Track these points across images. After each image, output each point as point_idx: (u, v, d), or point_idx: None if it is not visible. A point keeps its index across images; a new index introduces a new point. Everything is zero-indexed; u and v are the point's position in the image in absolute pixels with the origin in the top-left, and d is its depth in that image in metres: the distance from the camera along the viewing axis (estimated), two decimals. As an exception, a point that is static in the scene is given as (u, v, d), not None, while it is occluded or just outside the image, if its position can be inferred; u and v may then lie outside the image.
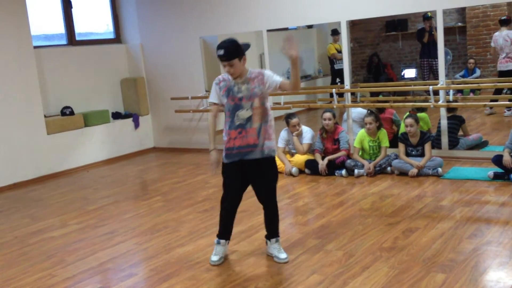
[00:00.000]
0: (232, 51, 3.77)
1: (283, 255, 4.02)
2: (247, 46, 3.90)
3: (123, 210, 5.82)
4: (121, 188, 6.82)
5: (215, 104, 3.97)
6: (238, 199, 4.08)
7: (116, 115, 8.79)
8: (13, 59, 7.26)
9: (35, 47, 7.64)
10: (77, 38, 8.51)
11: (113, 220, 5.45)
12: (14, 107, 7.27)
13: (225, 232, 4.13)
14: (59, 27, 8.35)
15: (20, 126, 7.34)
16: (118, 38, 9.10)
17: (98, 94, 8.64)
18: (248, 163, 3.90)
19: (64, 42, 8.39)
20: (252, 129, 3.84)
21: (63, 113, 8.02)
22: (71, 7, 8.36)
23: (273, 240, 4.11)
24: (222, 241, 4.11)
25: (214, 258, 4.09)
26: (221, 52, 3.75)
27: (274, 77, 3.89)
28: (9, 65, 7.23)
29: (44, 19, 8.13)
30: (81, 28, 8.63)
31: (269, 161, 3.96)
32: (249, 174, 3.96)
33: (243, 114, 3.83)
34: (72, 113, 8.06)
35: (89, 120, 8.22)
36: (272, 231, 4.13)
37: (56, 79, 8.06)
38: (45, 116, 7.73)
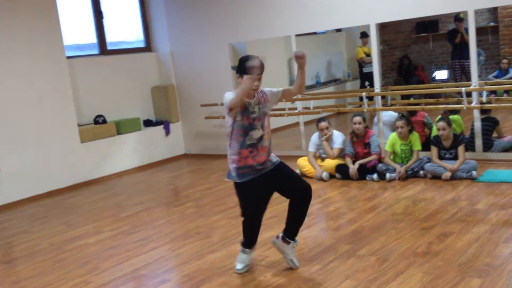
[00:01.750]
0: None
1: (297, 262, 4.03)
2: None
3: (156, 216, 5.89)
4: (153, 194, 6.90)
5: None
6: (264, 208, 3.98)
7: (148, 123, 8.90)
8: (46, 69, 7.43)
9: (68, 57, 7.81)
10: (109, 48, 8.66)
11: (146, 227, 5.52)
12: (48, 117, 7.43)
13: (250, 242, 4.06)
14: (91, 37, 8.51)
15: (54, 135, 7.49)
16: (148, 47, 9.23)
17: (129, 102, 8.77)
18: (264, 175, 3.89)
19: (96, 51, 8.55)
20: (263, 148, 3.88)
21: (96, 122, 8.16)
22: (103, 17, 8.51)
23: (293, 243, 4.01)
24: (247, 249, 4.07)
25: (239, 266, 4.06)
26: (258, 63, 3.73)
27: (273, 90, 4.00)
28: (43, 75, 7.40)
29: (76, 29, 8.30)
30: (112, 37, 8.78)
31: (281, 163, 3.99)
32: (270, 182, 3.92)
33: (256, 133, 3.85)
34: (104, 121, 8.20)
35: (121, 128, 8.34)
36: (296, 231, 4.02)
37: (89, 88, 8.21)
38: (78, 125, 7.88)
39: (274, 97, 3.99)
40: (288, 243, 3.99)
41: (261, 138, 3.87)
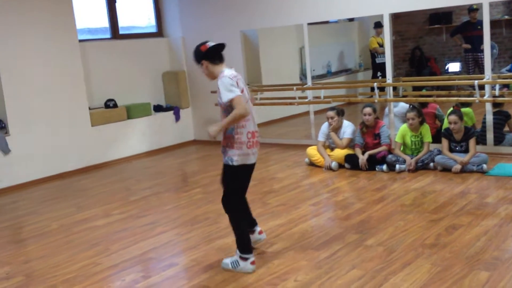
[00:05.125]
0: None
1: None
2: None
3: (164, 201, 5.92)
4: (162, 179, 6.93)
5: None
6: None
7: (158, 108, 8.92)
8: (59, 53, 7.45)
9: (80, 40, 7.82)
10: (121, 32, 8.66)
11: (155, 211, 5.55)
12: (60, 100, 7.47)
13: (247, 242, 3.91)
14: (103, 21, 8.52)
15: (65, 118, 7.53)
16: (160, 32, 9.22)
17: (140, 87, 8.79)
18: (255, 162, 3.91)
19: (108, 36, 8.55)
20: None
21: (106, 106, 8.19)
22: (115, 1, 8.51)
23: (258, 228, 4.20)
24: (249, 254, 3.85)
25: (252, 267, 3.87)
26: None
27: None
28: (55, 58, 7.42)
29: (89, 13, 8.30)
30: (124, 22, 8.78)
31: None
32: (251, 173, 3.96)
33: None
34: (115, 105, 8.22)
35: (131, 112, 8.37)
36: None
37: (100, 72, 8.23)
38: (89, 109, 7.91)
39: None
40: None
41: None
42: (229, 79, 3.67)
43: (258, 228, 4.19)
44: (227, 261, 3.92)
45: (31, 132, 7.16)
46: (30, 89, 7.16)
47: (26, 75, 7.12)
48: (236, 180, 3.86)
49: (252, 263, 3.84)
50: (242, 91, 3.71)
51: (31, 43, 7.16)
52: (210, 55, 3.80)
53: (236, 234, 3.90)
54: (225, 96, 3.63)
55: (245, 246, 3.85)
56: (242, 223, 3.92)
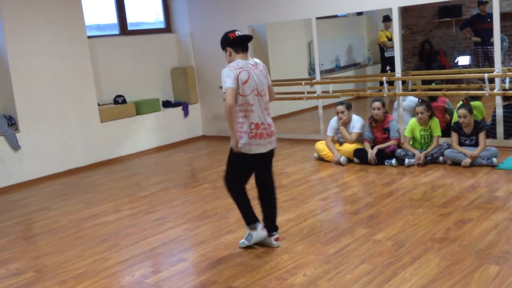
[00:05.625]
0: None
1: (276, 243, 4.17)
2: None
3: (173, 196, 5.93)
4: (171, 175, 6.94)
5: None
6: (245, 185, 4.15)
7: (166, 104, 8.93)
8: (67, 49, 7.48)
9: (89, 37, 7.85)
10: (129, 28, 8.67)
11: (164, 206, 5.57)
12: (69, 96, 7.50)
13: (253, 214, 4.11)
14: (112, 17, 8.54)
15: (75, 114, 7.56)
16: (168, 28, 9.22)
17: (149, 83, 8.81)
18: (265, 153, 4.04)
19: (116, 32, 8.57)
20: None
21: (115, 102, 8.21)
22: (123, -2, 8.53)
23: (276, 233, 4.17)
24: (259, 224, 4.11)
25: (242, 240, 4.18)
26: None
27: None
28: (64, 54, 7.45)
29: (97, 9, 8.32)
30: (133, 18, 8.79)
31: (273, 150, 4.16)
32: (260, 163, 4.07)
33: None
34: (124, 101, 8.25)
35: (140, 108, 8.39)
36: (274, 223, 4.19)
37: (109, 68, 8.26)
38: (98, 105, 7.94)
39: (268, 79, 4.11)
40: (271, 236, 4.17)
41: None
42: (228, 70, 3.88)
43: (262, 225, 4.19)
44: (242, 240, 4.16)
45: (41, 128, 7.20)
46: (39, 86, 7.19)
47: (35, 72, 7.15)
48: (235, 165, 4.05)
49: (263, 229, 4.08)
50: (245, 83, 3.86)
51: (40, 40, 7.19)
52: (235, 44, 4.00)
53: (239, 209, 4.15)
54: (223, 87, 3.86)
55: (249, 218, 4.08)
56: (241, 199, 4.09)
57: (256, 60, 4.09)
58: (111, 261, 4.22)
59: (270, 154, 4.12)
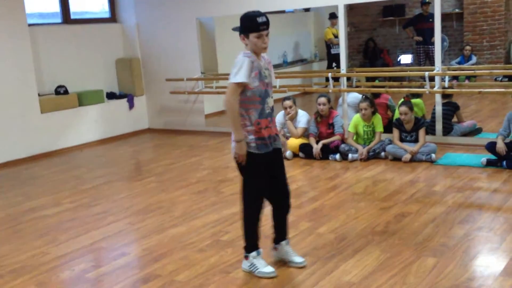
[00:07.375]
0: None
1: (299, 259, 3.66)
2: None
3: (117, 190, 5.82)
4: (115, 168, 6.81)
5: (244, 85, 3.40)
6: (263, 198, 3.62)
7: (111, 95, 8.74)
8: (7, 37, 7.19)
9: (30, 25, 7.57)
10: (72, 17, 8.42)
11: (106, 200, 5.46)
12: (8, 85, 7.22)
13: (255, 239, 3.62)
14: (54, 6, 8.26)
15: (14, 105, 7.29)
16: (113, 18, 9.02)
17: (92, 73, 8.59)
18: (274, 151, 3.57)
19: (59, 20, 8.31)
20: (274, 118, 3.61)
21: (57, 92, 7.97)
22: (67, -15, 8.27)
23: (285, 242, 3.71)
24: (257, 252, 3.62)
25: (267, 269, 3.55)
26: (264, 18, 3.32)
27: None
28: (3, 42, 7.15)
29: (39, -4, 8.05)
30: (76, 7, 8.54)
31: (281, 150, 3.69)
32: (272, 164, 3.59)
33: (271, 101, 3.52)
34: (66, 92, 8.01)
35: (83, 99, 8.17)
36: (285, 231, 3.72)
37: (51, 58, 7.99)
38: (39, 95, 7.67)
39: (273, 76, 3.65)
40: (275, 248, 3.73)
41: (273, 108, 3.56)
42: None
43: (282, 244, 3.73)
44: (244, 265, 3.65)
45: (-23, 118, 6.91)
46: (-25, 74, 6.89)
47: (-28, 59, 6.85)
48: (247, 168, 3.50)
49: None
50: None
51: (-23, 26, 6.90)
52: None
53: (243, 228, 3.63)
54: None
55: (248, 244, 3.61)
56: (251, 219, 3.58)
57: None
58: (50, 255, 4.10)
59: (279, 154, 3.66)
